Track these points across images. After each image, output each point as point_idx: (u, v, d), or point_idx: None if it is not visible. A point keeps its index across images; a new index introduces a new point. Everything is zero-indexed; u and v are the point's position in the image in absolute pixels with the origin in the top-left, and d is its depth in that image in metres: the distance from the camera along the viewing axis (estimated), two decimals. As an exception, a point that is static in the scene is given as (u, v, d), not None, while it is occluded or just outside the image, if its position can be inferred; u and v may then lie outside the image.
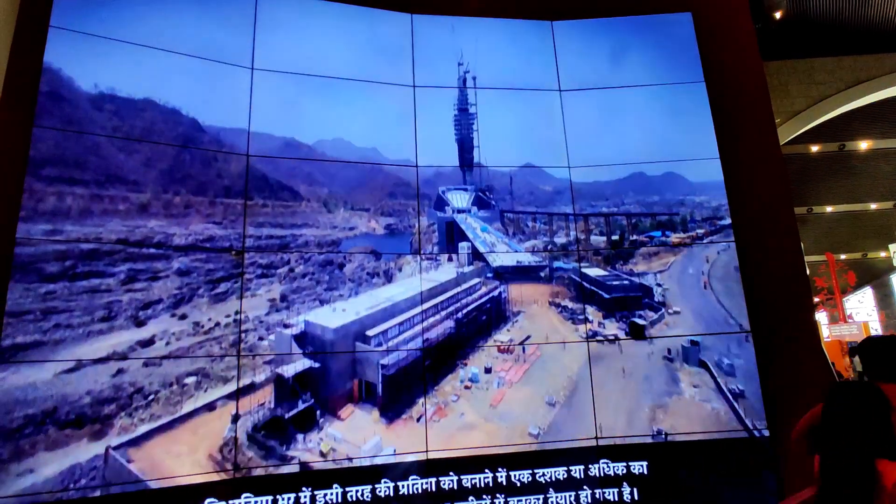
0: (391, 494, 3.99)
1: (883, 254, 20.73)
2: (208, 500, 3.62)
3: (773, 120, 4.90)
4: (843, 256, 20.17)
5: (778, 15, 13.17)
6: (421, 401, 4.21)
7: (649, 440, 4.29)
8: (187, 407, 3.73)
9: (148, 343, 3.73)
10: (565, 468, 4.19)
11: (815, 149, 16.45)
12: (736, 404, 4.31)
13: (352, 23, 4.93)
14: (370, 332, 4.24)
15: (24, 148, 3.69)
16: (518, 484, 4.12)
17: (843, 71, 13.62)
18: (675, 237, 4.80)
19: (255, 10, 4.65)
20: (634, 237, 4.85)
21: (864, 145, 16.40)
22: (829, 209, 18.23)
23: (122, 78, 4.08)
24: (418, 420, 4.16)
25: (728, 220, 4.71)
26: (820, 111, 13.73)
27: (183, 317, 3.87)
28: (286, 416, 3.93)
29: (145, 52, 4.20)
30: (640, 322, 4.57)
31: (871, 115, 14.56)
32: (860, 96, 13.57)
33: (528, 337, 4.53)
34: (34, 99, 3.78)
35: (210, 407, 3.79)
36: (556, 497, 4.12)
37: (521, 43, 5.23)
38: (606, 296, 4.64)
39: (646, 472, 4.22)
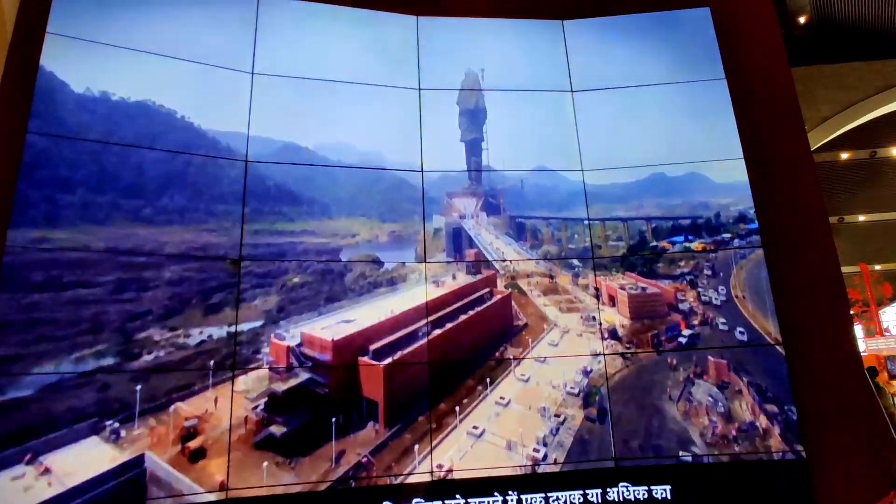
0: (394, 519, 3.71)
1: (920, 264, 19.86)
2: (197, 525, 3.39)
3: (800, 116, 4.56)
4: (877, 267, 19.35)
5: (802, 20, 12.84)
6: (426, 418, 3.94)
7: (673, 462, 3.94)
8: (176, 424, 3.52)
9: (136, 356, 3.54)
10: (581, 492, 3.86)
11: (844, 156, 15.95)
12: (769, 423, 3.95)
13: (355, 26, 4.78)
14: (372, 345, 4.01)
15: (16, 153, 3.59)
16: (531, 509, 3.81)
17: (873, 75, 13.23)
18: (698, 242, 4.48)
19: (257, 15, 4.54)
20: (655, 243, 4.55)
21: (896, 151, 15.86)
22: (861, 218, 17.57)
23: (118, 82, 3.99)
24: (423, 439, 3.89)
25: (755, 225, 4.38)
26: (849, 117, 13.35)
27: (174, 328, 3.69)
28: (281, 434, 3.70)
29: (142, 56, 4.10)
30: (663, 334, 4.25)
31: (903, 120, 14.08)
32: (891, 101, 13.14)
33: (541, 350, 4.24)
34: (29, 104, 3.69)
35: (200, 425, 3.58)
36: (573, 524, 3.81)
37: (531, 43, 5.01)
38: (626, 306, 4.33)
39: (669, 496, 3.86)
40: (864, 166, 16.43)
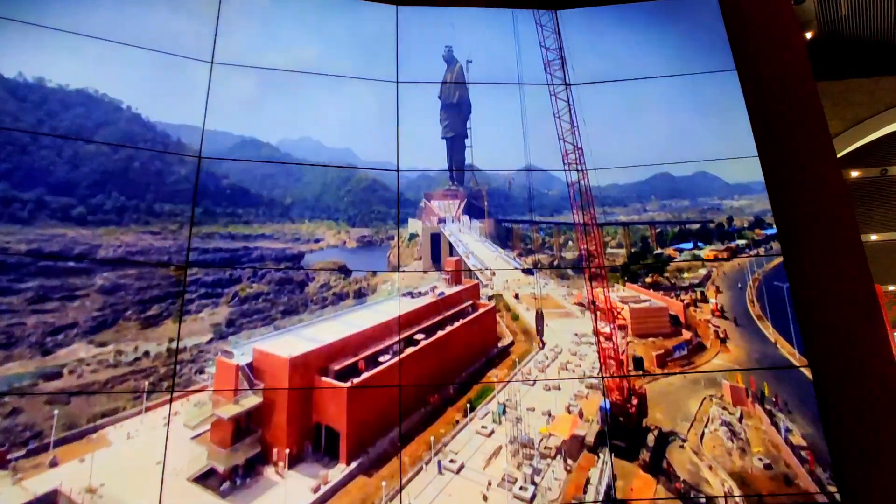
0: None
1: (935, 284, 19.26)
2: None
3: (820, 108, 4.06)
4: (891, 288, 18.78)
5: (808, 35, 12.52)
6: (396, 450, 3.40)
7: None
8: (99, 456, 3.01)
9: (54, 376, 3.04)
10: (576, 539, 3.30)
11: (854, 174, 15.57)
12: (795, 459, 3.38)
13: (327, 14, 4.39)
14: (335, 365, 3.50)
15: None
16: (517, 559, 3.25)
17: (882, 92, 12.98)
18: (709, 249, 3.99)
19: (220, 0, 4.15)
20: (660, 250, 4.05)
21: (907, 169, 15.46)
22: (873, 237, 17.07)
23: (56, 68, 3.59)
24: (392, 475, 3.35)
25: (774, 230, 3.87)
26: (858, 134, 13.08)
27: (102, 344, 3.19)
28: (224, 468, 3.17)
29: (86, 41, 3.71)
30: (670, 354, 3.72)
31: (914, 137, 13.78)
32: (901, 118, 12.84)
33: (529, 372, 3.72)
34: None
35: (129, 455, 3.06)
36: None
37: (521, 34, 4.59)
38: (626, 321, 3.81)
39: (680, 545, 3.30)
40: (874, 185, 16.08)
